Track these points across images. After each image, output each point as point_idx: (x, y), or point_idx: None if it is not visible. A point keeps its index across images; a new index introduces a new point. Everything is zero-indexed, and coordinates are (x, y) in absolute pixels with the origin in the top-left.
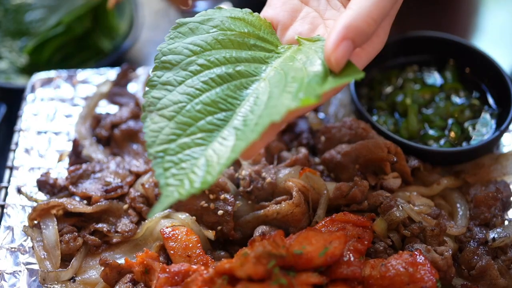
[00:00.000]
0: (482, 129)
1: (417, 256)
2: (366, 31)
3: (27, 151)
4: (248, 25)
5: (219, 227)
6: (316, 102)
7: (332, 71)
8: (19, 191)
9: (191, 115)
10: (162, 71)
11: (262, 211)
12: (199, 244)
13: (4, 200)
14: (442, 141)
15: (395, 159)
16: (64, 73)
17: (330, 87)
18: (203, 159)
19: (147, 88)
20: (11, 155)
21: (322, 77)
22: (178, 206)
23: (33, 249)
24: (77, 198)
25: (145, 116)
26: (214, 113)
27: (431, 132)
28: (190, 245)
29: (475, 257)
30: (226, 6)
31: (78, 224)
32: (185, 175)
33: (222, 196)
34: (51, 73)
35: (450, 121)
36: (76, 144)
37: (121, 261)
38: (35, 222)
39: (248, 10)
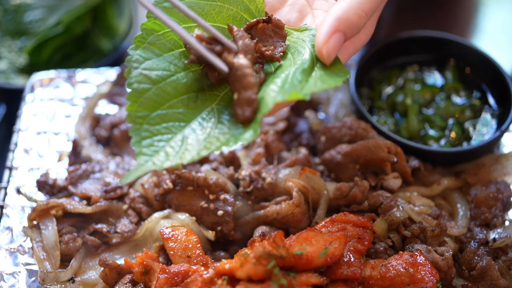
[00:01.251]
0: (483, 129)
1: (418, 257)
2: (357, 24)
3: (26, 151)
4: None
5: (219, 228)
6: (303, 98)
7: (322, 62)
8: (18, 191)
9: (176, 86)
10: (152, 30)
11: (262, 211)
12: (199, 245)
13: (3, 200)
14: (442, 142)
15: (395, 159)
16: (63, 73)
17: (319, 89)
18: (180, 135)
19: (133, 45)
20: (10, 155)
21: (309, 66)
22: (178, 207)
23: (32, 249)
24: (77, 199)
25: (129, 71)
26: (199, 91)
27: (431, 132)
28: (190, 246)
29: (476, 257)
30: None
31: (78, 225)
32: (161, 148)
33: (222, 197)
34: (51, 73)
35: (450, 121)
36: (76, 144)
37: (121, 261)
38: (35, 222)
39: None
